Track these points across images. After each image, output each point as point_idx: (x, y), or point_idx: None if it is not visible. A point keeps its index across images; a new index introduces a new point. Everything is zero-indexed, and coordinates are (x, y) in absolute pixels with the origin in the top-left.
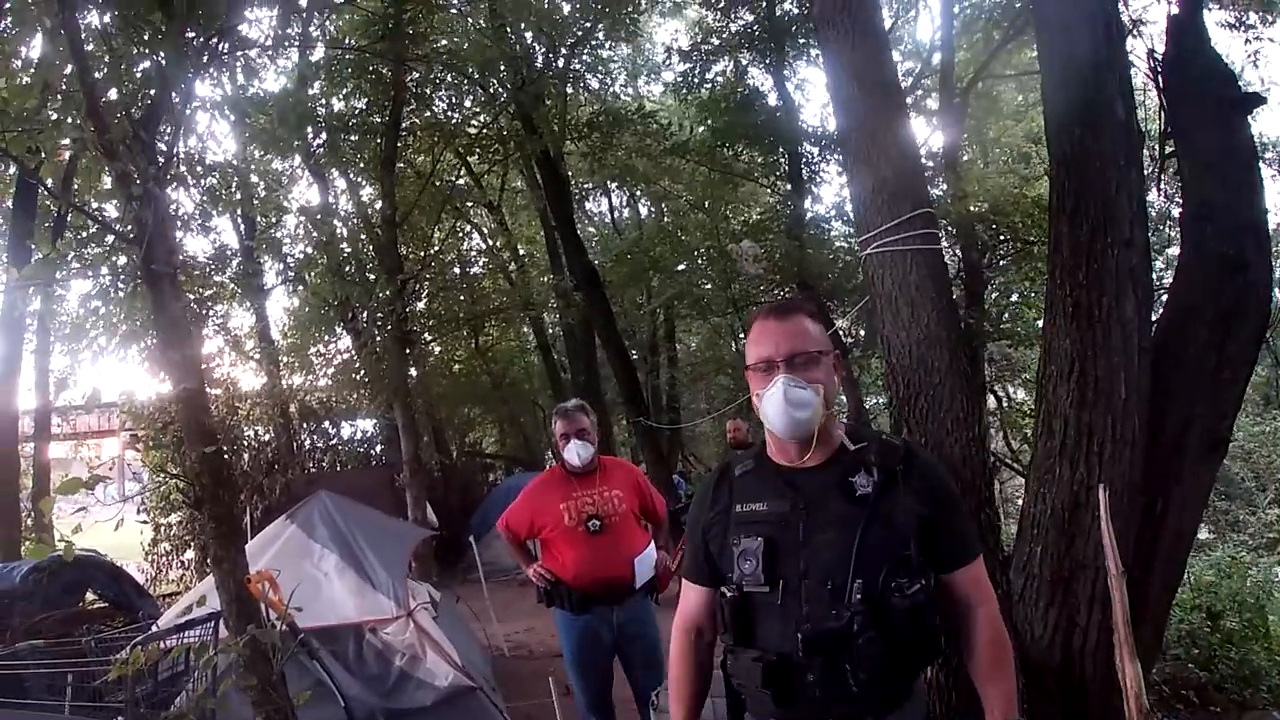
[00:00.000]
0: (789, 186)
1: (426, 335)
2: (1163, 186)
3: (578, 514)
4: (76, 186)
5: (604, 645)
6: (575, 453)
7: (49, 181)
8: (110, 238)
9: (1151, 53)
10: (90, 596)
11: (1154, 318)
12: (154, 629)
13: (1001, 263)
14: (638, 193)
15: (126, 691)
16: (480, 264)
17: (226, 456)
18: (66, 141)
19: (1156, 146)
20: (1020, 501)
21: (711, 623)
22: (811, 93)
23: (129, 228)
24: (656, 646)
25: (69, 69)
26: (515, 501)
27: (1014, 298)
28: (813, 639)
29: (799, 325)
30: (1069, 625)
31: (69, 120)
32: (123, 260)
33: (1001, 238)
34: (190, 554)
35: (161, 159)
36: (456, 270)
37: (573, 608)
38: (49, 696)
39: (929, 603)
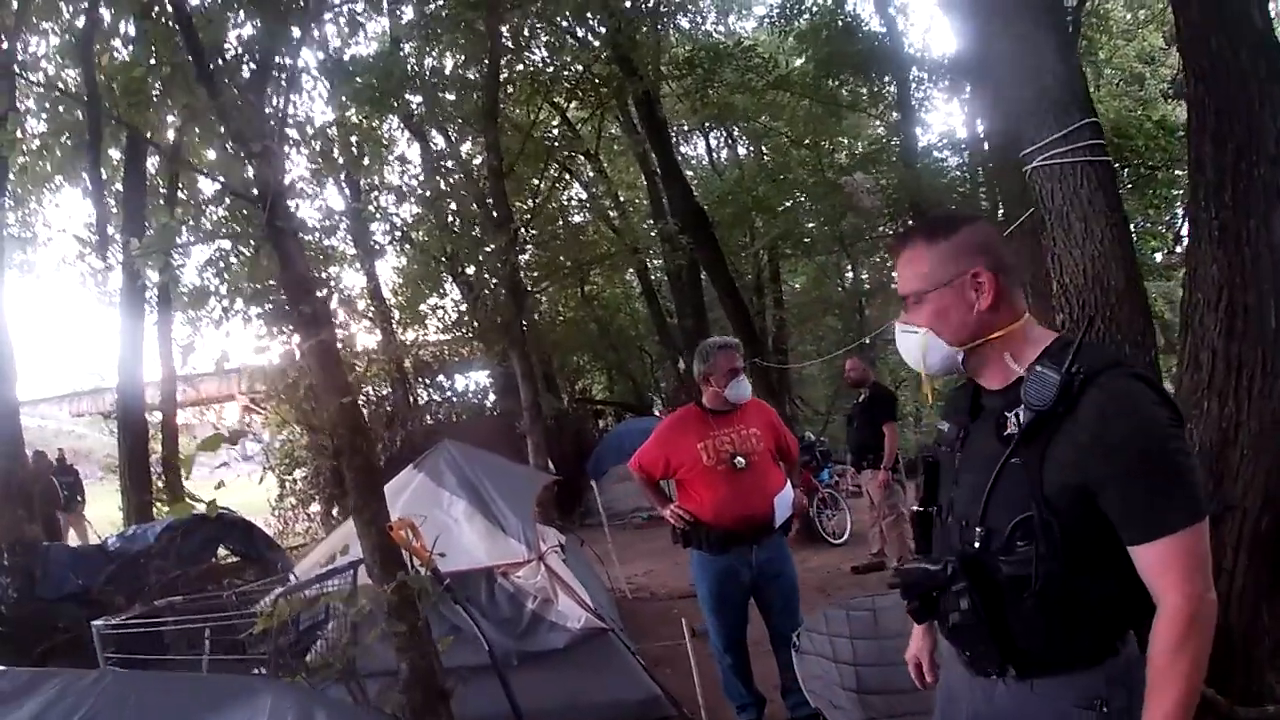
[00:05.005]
0: (897, 116)
1: (542, 284)
2: None
3: (716, 453)
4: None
5: (742, 585)
6: (742, 390)
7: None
8: (228, 201)
9: None
10: (222, 552)
11: None
12: (292, 579)
13: (1120, 192)
14: (736, 132)
15: (270, 643)
16: (582, 214)
17: None
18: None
19: None
20: None
21: None
22: (914, 18)
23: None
24: (795, 587)
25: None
26: (648, 441)
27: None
28: (912, 572)
29: (909, 259)
30: (1215, 569)
31: (180, 87)
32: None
33: (1125, 163)
34: (315, 507)
35: (274, 122)
36: (562, 221)
37: (711, 548)
38: (189, 651)
39: (1053, 576)
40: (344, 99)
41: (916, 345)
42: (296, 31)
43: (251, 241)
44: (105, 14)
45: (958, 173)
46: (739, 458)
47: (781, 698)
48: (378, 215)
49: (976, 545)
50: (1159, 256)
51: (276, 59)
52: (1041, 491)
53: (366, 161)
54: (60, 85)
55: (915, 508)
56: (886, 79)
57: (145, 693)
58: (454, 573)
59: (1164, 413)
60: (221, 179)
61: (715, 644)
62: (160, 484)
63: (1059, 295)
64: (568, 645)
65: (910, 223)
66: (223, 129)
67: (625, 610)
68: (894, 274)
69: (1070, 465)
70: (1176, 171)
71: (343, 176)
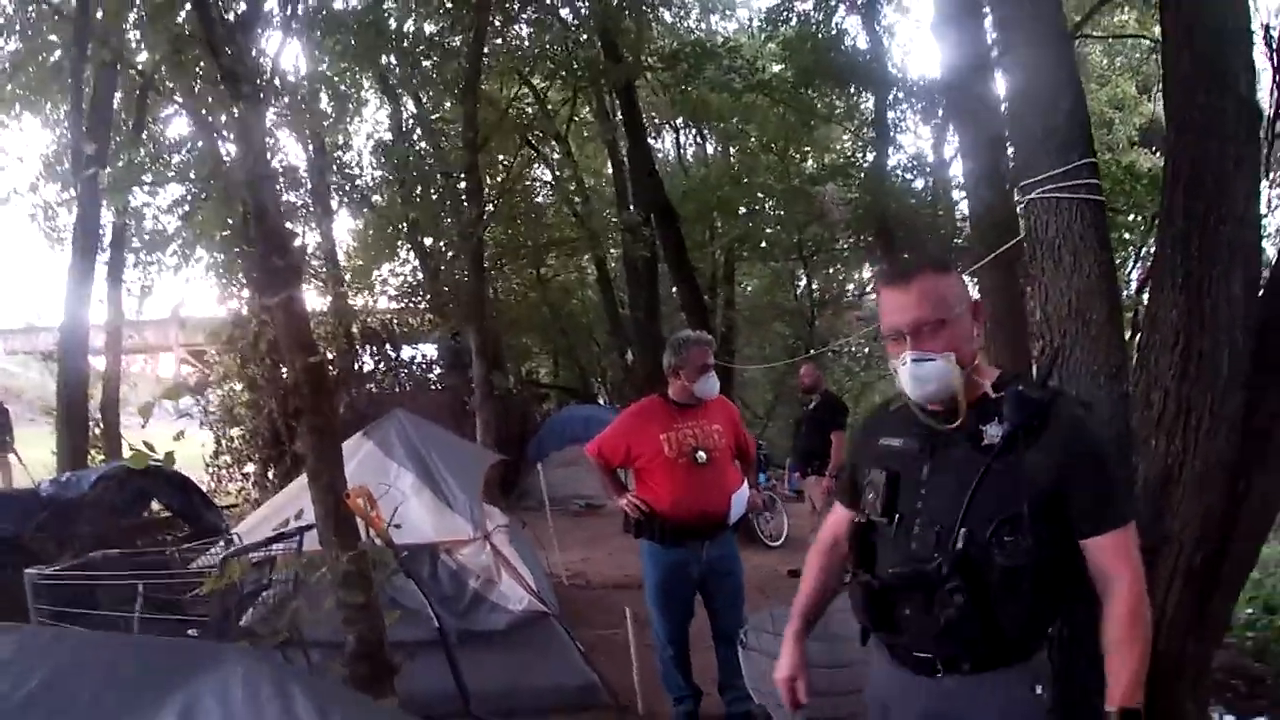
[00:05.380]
0: (870, 132)
1: (501, 261)
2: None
3: (678, 445)
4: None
5: (691, 580)
6: (710, 386)
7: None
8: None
9: (1267, 28)
10: (155, 506)
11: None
12: (235, 540)
13: None
14: (707, 132)
15: (214, 606)
16: (544, 195)
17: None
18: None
19: (1266, 126)
20: None
21: (844, 537)
22: (897, 38)
23: (229, 132)
24: (742, 586)
25: None
26: (609, 428)
27: None
28: (903, 576)
29: (922, 289)
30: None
31: (171, 15)
32: (210, 169)
33: None
34: (250, 468)
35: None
36: (525, 201)
37: (664, 540)
38: (119, 607)
39: (1035, 566)
40: (321, 53)
41: (943, 370)
42: None
43: (225, 188)
44: None
45: (925, 195)
46: (701, 452)
47: (718, 693)
48: (340, 174)
49: (960, 545)
50: None
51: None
52: (1027, 490)
53: (334, 118)
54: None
55: (860, 519)
56: (865, 95)
57: (111, 655)
58: (399, 546)
59: (1105, 432)
60: (206, 120)
61: (658, 635)
62: (97, 431)
63: (1041, 323)
64: (508, 626)
65: (870, 238)
66: (206, 65)
67: (561, 596)
68: (848, 287)
69: (1043, 472)
70: (1134, 216)
71: (306, 132)
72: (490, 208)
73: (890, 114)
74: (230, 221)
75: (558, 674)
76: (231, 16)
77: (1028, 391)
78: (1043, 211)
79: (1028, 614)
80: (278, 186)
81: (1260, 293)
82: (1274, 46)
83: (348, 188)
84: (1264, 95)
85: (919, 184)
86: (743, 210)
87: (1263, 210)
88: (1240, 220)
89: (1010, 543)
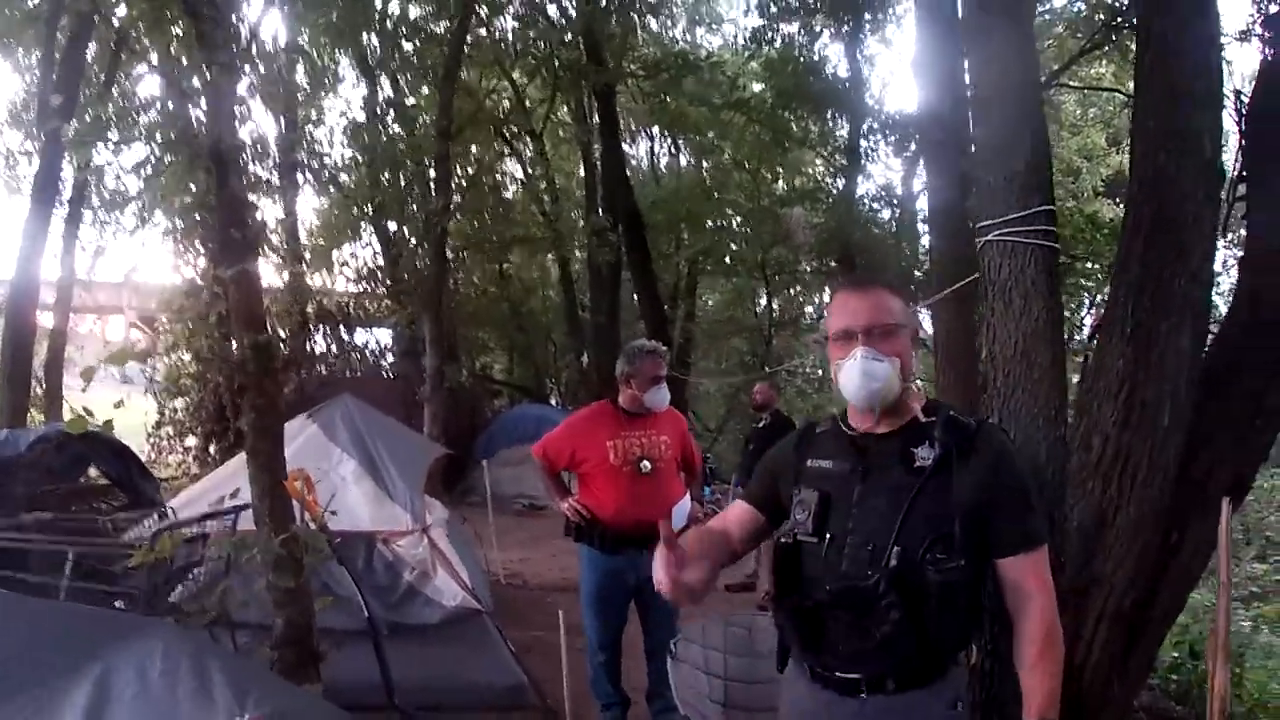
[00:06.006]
0: (842, 160)
1: (464, 253)
2: (1228, 230)
3: (624, 453)
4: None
5: (628, 588)
6: (660, 398)
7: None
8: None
9: (1238, 94)
10: (93, 473)
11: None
12: (170, 513)
13: None
14: (681, 143)
15: (143, 579)
16: (513, 191)
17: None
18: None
19: (1227, 188)
20: None
21: (738, 533)
22: (877, 70)
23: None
24: None
25: None
26: (556, 430)
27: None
28: (839, 593)
29: (878, 298)
30: (1074, 638)
31: None
32: (177, 132)
33: None
34: (192, 441)
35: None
36: (494, 195)
37: (603, 546)
38: (48, 573)
39: (965, 583)
40: (303, 25)
41: (889, 371)
42: None
43: (190, 154)
44: None
45: (890, 225)
46: (645, 461)
47: (646, 702)
48: (309, 150)
49: (895, 563)
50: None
51: None
52: (956, 510)
53: (309, 93)
54: None
55: (787, 540)
56: (841, 122)
57: (33, 619)
58: (333, 532)
59: (1024, 461)
60: (177, 82)
61: (590, 641)
62: (40, 390)
63: (988, 361)
64: (441, 621)
65: (833, 263)
66: (184, 26)
67: (497, 595)
68: (807, 309)
69: (972, 491)
70: (1090, 264)
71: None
72: (458, 198)
73: (863, 143)
74: (192, 188)
75: (487, 672)
76: None
77: (958, 416)
78: (998, 253)
79: (958, 630)
80: (243, 157)
81: (1207, 348)
82: (1243, 112)
83: (316, 165)
84: (1229, 157)
85: (885, 214)
86: (710, 224)
87: (1216, 268)
88: (1194, 276)
89: (943, 560)
